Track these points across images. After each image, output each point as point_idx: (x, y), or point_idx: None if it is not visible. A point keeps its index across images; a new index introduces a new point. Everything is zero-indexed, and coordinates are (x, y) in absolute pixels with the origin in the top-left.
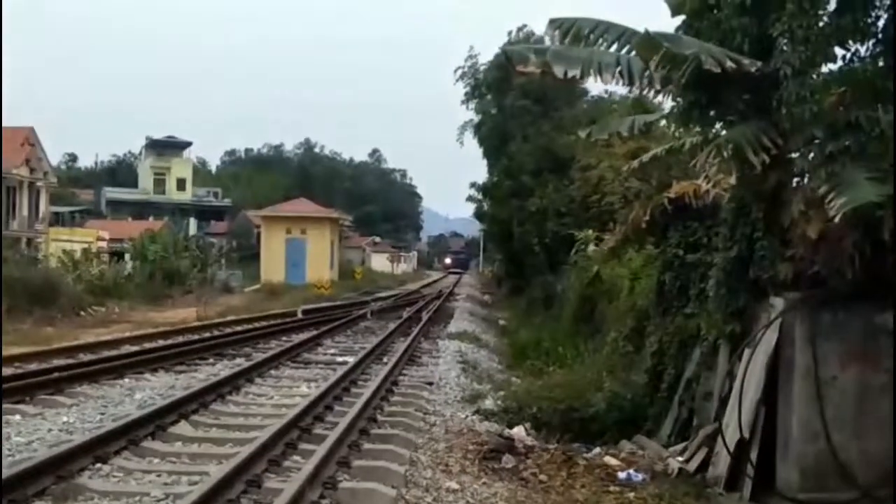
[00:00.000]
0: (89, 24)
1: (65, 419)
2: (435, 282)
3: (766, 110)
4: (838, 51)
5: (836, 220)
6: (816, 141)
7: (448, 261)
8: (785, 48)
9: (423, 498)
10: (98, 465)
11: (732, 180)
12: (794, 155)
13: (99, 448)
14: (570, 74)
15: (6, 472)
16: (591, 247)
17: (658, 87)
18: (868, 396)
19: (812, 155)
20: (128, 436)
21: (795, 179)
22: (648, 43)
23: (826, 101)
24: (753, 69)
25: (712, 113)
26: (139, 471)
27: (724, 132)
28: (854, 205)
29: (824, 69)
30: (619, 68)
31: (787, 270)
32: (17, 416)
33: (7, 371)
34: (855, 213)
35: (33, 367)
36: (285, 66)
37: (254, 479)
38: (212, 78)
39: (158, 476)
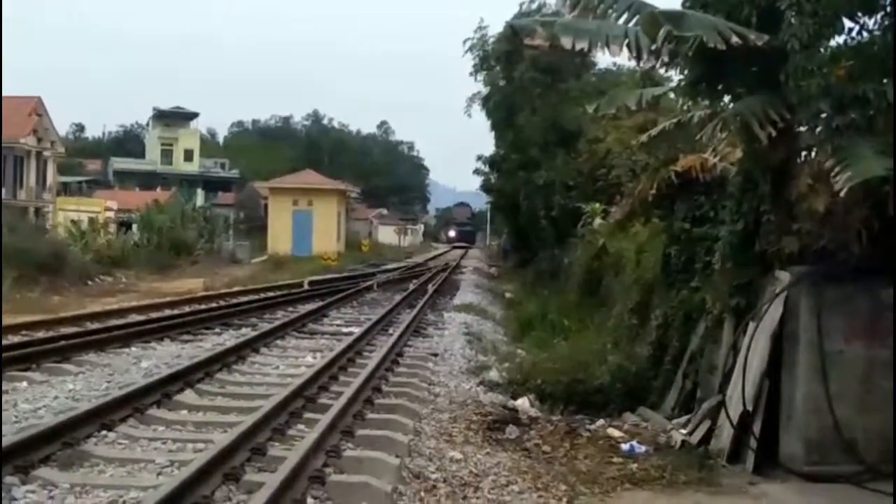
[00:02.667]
0: None
1: (71, 387)
2: (441, 255)
3: (774, 84)
4: (847, 23)
5: (843, 194)
6: (823, 115)
7: (452, 233)
8: (793, 21)
9: (426, 467)
10: (104, 432)
11: (739, 154)
12: (801, 129)
13: (105, 415)
14: (577, 47)
15: (13, 439)
16: (598, 220)
17: (666, 60)
18: (873, 371)
19: (819, 129)
20: (133, 404)
21: (802, 153)
22: (653, 21)
23: (834, 75)
24: (760, 42)
25: (720, 86)
26: (144, 438)
27: (731, 105)
28: (860, 179)
29: (832, 42)
30: (626, 41)
31: (793, 244)
32: (24, 384)
33: (14, 339)
34: (861, 187)
35: (40, 335)
36: (292, 36)
37: (258, 447)
38: (219, 46)
39: (164, 443)
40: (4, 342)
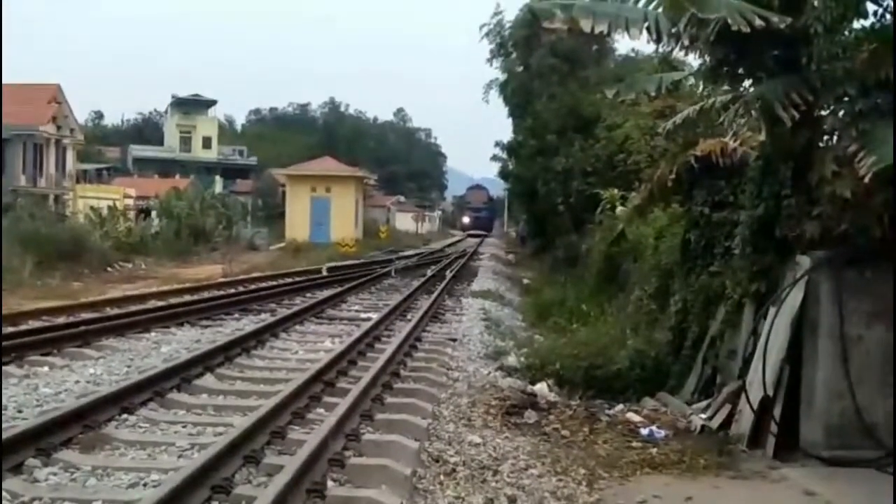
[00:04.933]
0: None
1: (92, 371)
2: (459, 241)
3: (797, 67)
4: (870, 6)
5: (867, 179)
6: (847, 98)
7: (466, 220)
8: (816, 4)
9: (445, 451)
10: (124, 415)
11: (760, 138)
12: (823, 113)
13: (125, 399)
14: (597, 30)
15: (35, 421)
16: (619, 208)
17: (686, 43)
18: (894, 355)
19: (842, 113)
20: (154, 388)
21: (824, 138)
22: (676, 4)
23: (857, 58)
24: (783, 25)
25: (741, 70)
26: (165, 422)
27: (752, 89)
28: (884, 164)
29: (856, 25)
30: (646, 24)
31: (814, 229)
32: (45, 368)
33: (36, 324)
34: (885, 171)
35: (61, 320)
36: (307, 24)
37: (278, 431)
38: (236, 35)
39: (184, 427)
40: (26, 327)
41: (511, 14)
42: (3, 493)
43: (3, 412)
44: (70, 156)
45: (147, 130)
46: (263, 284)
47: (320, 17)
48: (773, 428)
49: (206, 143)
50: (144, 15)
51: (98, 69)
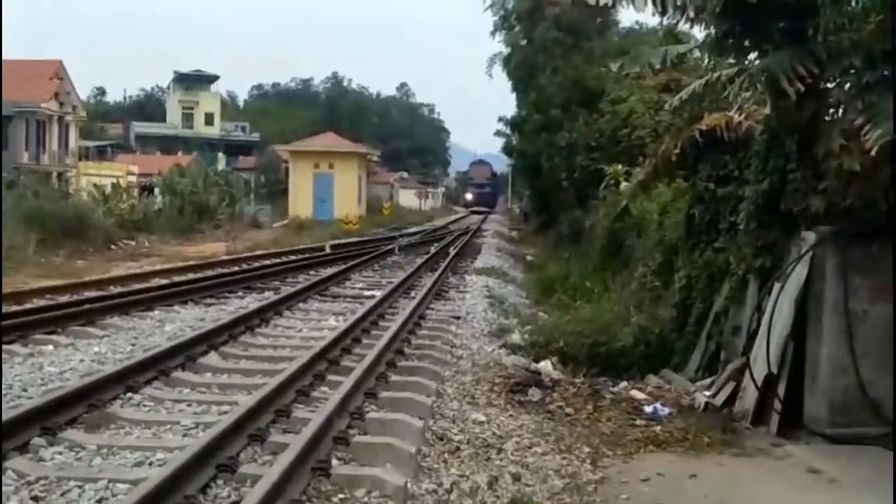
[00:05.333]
0: None
1: (96, 350)
2: (462, 218)
3: (803, 39)
4: None
5: (873, 153)
6: (853, 70)
7: (469, 196)
8: None
9: (449, 429)
10: (129, 394)
11: (766, 111)
12: (829, 85)
13: (130, 378)
14: (601, 2)
15: (40, 401)
16: (623, 183)
17: (691, 15)
18: (894, 332)
19: (848, 85)
20: (158, 366)
21: (830, 111)
22: None
23: (864, 29)
24: None
25: (747, 42)
26: (169, 400)
27: (758, 62)
28: (890, 136)
29: None
30: None
31: (820, 203)
32: (50, 347)
33: (40, 302)
34: (891, 144)
35: (65, 298)
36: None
37: (282, 409)
38: (237, 8)
39: (189, 405)
40: (30, 305)
41: None
42: (10, 473)
43: (9, 391)
44: (73, 133)
45: (149, 107)
46: (267, 262)
47: None
48: (777, 405)
49: (209, 119)
50: None
51: (100, 45)
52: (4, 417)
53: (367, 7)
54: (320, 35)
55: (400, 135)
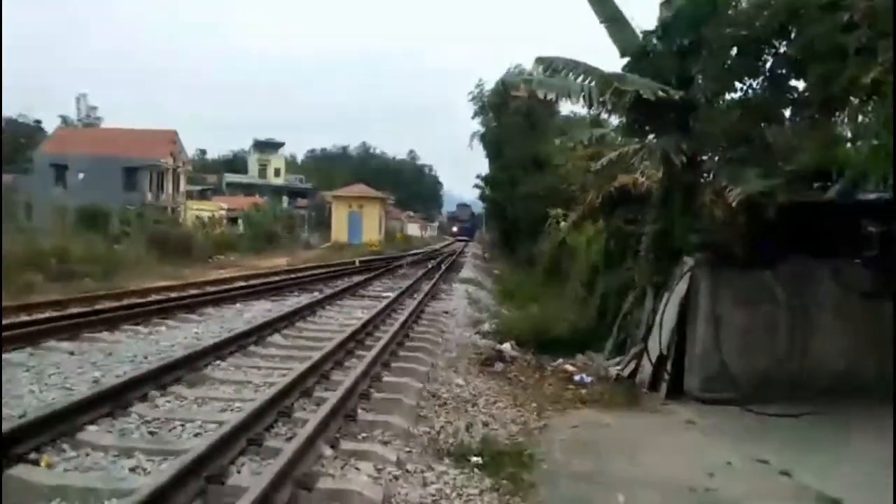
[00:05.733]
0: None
1: (195, 330)
2: (451, 244)
3: (686, 126)
4: (738, 84)
5: (734, 205)
6: (720, 149)
7: (455, 229)
8: (700, 82)
9: (439, 389)
10: (217, 361)
11: (660, 175)
12: (704, 158)
13: (218, 350)
14: (548, 97)
15: (155, 364)
16: (562, 223)
17: (609, 108)
18: (750, 329)
19: (717, 158)
20: (238, 342)
21: (704, 176)
22: (604, 80)
23: (728, 121)
24: (677, 97)
25: (647, 128)
26: (245, 366)
27: (655, 141)
28: (745, 194)
29: (728, 97)
30: (583, 94)
31: (697, 240)
32: (163, 328)
33: (157, 297)
34: (746, 200)
35: (175, 294)
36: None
37: (324, 374)
38: (296, 88)
39: (258, 370)
40: (152, 298)
41: (488, 85)
42: (133, 415)
43: (134, 358)
44: (182, 180)
45: (235, 163)
46: (314, 272)
47: (367, 85)
48: (666, 377)
49: (277, 172)
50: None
51: (203, 114)
52: (135, 371)
53: (393, 97)
54: (353, 116)
55: (408, 186)
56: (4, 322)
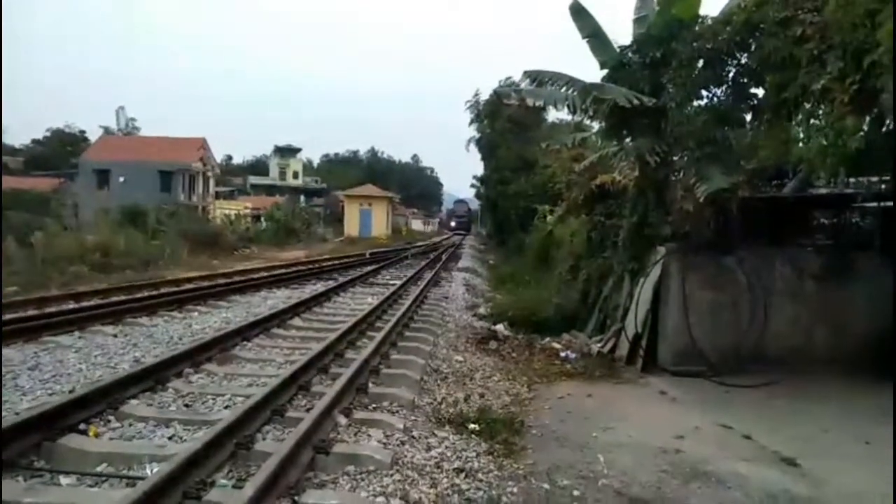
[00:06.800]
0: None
1: (224, 315)
2: (450, 237)
3: (658, 130)
4: (704, 92)
5: (701, 199)
6: (689, 149)
7: (453, 223)
8: (671, 90)
9: (441, 365)
10: (244, 342)
11: (636, 174)
12: (674, 158)
13: (245, 332)
14: (537, 105)
15: (190, 345)
16: (549, 217)
17: (591, 114)
18: (716, 309)
19: (686, 158)
20: (263, 325)
21: (675, 174)
22: (585, 90)
23: (696, 124)
24: (650, 104)
25: (624, 132)
26: (269, 346)
27: (631, 143)
28: (711, 190)
29: (696, 104)
30: (567, 102)
31: (668, 230)
32: (196, 313)
33: (190, 286)
34: (711, 195)
35: (205, 283)
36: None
37: (338, 353)
38: (312, 102)
39: (280, 350)
40: (185, 287)
41: (484, 95)
42: (170, 390)
43: (171, 339)
44: (211, 182)
45: (258, 166)
46: (330, 263)
47: (380, 95)
48: (641, 353)
49: (295, 175)
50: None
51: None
52: (171, 351)
53: (403, 112)
54: (367, 124)
55: (412, 186)
56: (55, 309)
